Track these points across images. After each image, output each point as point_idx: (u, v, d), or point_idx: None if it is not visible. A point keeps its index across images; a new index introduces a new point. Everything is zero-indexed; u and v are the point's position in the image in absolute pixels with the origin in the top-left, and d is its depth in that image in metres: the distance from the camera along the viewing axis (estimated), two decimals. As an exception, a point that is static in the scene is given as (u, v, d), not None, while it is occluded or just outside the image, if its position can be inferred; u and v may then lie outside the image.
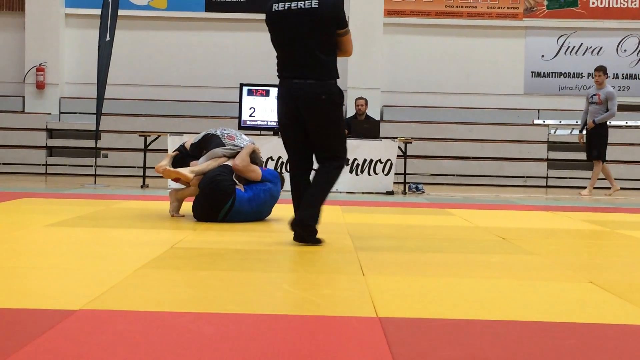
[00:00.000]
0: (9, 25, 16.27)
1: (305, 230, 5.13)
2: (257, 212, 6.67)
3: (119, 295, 3.40)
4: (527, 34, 16.44)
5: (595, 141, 12.20)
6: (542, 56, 16.45)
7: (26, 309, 3.07)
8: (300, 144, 5.26)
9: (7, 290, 3.46)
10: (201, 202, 6.55)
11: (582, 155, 15.52)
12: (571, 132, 16.00)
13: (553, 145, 15.73)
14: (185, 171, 6.65)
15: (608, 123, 12.46)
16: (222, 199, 6.43)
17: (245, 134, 7.41)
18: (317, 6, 5.10)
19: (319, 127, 5.20)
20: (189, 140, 7.22)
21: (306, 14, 5.09)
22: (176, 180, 6.86)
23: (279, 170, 11.05)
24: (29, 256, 4.60)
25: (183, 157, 6.97)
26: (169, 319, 2.94)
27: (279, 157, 11.49)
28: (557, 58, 16.44)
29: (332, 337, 2.79)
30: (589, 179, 12.91)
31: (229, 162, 6.68)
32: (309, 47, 5.12)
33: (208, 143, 6.87)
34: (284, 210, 7.41)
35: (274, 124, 11.81)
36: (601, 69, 12.33)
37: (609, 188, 12.72)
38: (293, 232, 5.18)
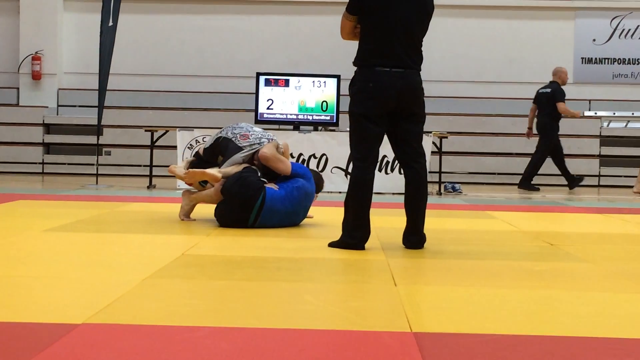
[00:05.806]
0: (1, 10, 16.40)
1: (423, 243, 5.42)
2: (292, 213, 6.60)
3: (125, 307, 3.42)
4: (577, 16, 16.34)
5: None
6: (594, 40, 16.34)
7: (23, 322, 3.09)
8: (381, 140, 5.38)
9: (3, 303, 3.49)
10: (229, 205, 6.51)
11: (639, 151, 15.47)
12: (626, 125, 15.90)
13: (606, 140, 15.64)
14: (212, 171, 6.69)
15: None
16: (251, 196, 6.39)
17: (264, 129, 7.43)
18: None
19: (417, 120, 5.40)
20: (201, 145, 7.35)
21: (415, 1, 5.29)
22: (190, 183, 6.93)
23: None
24: (25, 265, 4.64)
25: (199, 163, 7.03)
26: (181, 334, 2.96)
27: (300, 154, 11.50)
28: (610, 42, 16.32)
29: (362, 354, 2.79)
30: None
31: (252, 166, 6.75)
32: (413, 36, 5.32)
33: (224, 148, 6.91)
34: (319, 214, 7.38)
35: (294, 117, 11.84)
36: None
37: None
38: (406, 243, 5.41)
